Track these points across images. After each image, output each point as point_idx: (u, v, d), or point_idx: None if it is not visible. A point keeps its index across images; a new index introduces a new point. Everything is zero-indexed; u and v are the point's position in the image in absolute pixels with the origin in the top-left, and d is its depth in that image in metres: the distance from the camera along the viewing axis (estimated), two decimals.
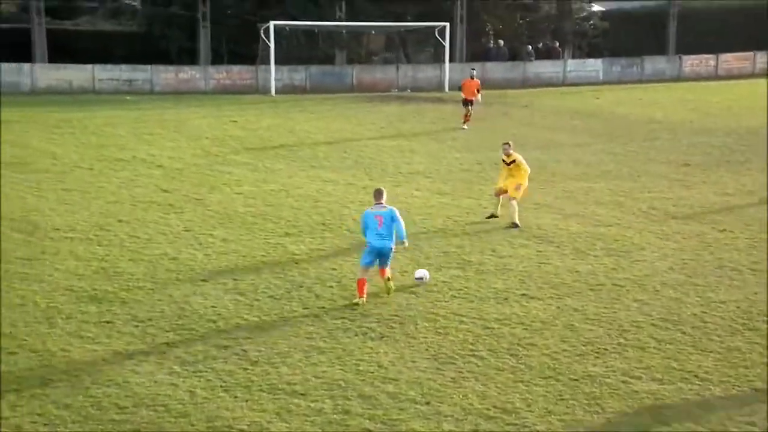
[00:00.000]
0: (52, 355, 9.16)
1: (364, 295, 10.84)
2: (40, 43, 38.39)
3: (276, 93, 37.33)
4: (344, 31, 43.10)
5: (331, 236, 14.04)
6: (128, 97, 34.54)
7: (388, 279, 11.10)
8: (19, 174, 18.32)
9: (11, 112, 28.51)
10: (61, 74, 36.67)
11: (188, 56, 41.62)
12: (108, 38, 41.38)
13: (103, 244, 13.28)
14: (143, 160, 20.63)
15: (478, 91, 27.48)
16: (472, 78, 28.08)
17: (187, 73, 39.36)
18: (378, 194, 11.39)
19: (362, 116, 30.26)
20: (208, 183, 18.02)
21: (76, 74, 36.83)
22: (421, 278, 11.61)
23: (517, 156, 15.07)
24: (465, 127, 26.79)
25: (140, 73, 37.65)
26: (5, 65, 35.74)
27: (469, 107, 27.09)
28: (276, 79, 37.95)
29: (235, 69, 39.82)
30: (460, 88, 28.63)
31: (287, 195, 16.97)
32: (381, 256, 10.98)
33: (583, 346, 9.63)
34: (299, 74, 39.91)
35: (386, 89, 39.23)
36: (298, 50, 40.91)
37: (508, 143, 15.31)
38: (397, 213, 11.13)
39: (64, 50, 38.45)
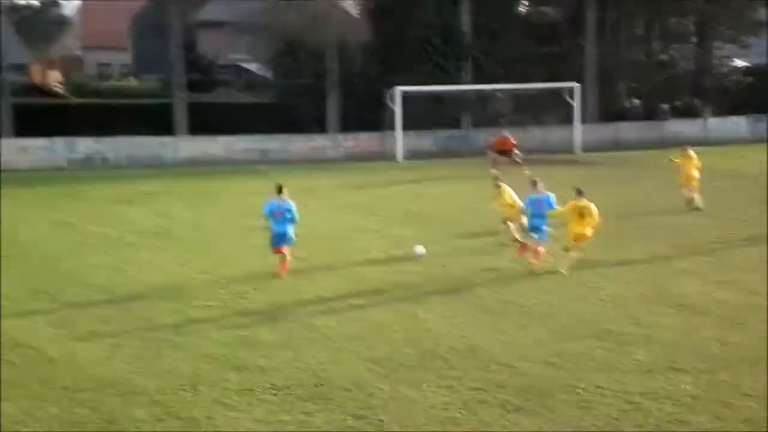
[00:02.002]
0: (197, 422, 9.43)
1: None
2: (180, 116, 40.62)
3: (403, 158, 37.93)
4: (471, 95, 43.51)
5: (463, 303, 13.99)
6: (261, 167, 35.88)
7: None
8: (163, 243, 19.27)
9: (155, 183, 30.18)
10: (200, 146, 38.62)
11: (319, 125, 42.97)
12: (243, 110, 43.33)
13: (242, 312, 13.69)
14: None
15: (513, 146, 33.32)
16: (504, 136, 33.90)
17: (318, 142, 40.65)
18: (534, 183, 16.24)
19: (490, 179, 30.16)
20: (339, 250, 18.34)
21: (214, 145, 38.72)
22: (420, 254, 16.50)
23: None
24: (526, 171, 30.25)
25: (273, 143, 39.16)
26: (150, 139, 38.03)
27: (510, 157, 32.85)
28: (402, 145, 38.59)
29: (363, 136, 40.78)
30: (493, 145, 34.06)
31: (417, 261, 17.05)
32: (539, 230, 15.90)
33: (741, 423, 9.12)
34: (426, 139, 40.45)
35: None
36: (424, 115, 41.57)
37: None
38: (552, 196, 16.09)
39: (202, 122, 40.56)
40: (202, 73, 51.08)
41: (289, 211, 15.93)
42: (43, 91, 45.72)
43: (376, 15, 45.50)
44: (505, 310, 13.59)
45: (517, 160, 32.85)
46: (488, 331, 12.47)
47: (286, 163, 37.60)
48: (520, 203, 17.33)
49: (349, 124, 42.72)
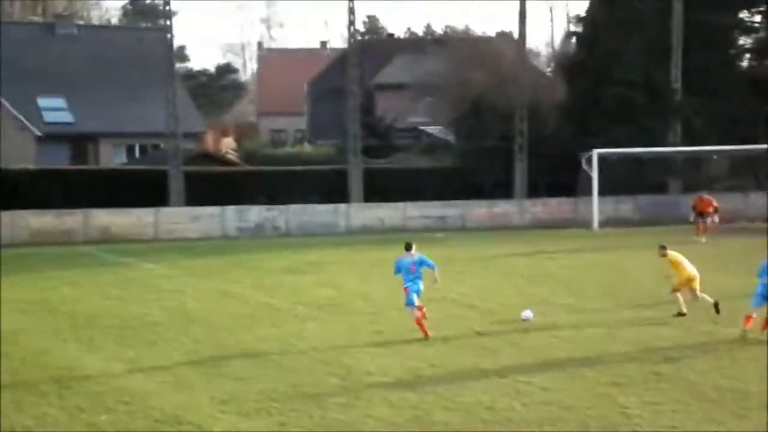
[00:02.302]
0: None
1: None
2: (355, 182, 41.91)
3: (599, 226, 37.16)
4: (679, 157, 42.14)
5: (669, 387, 13.32)
6: (439, 234, 36.20)
7: None
8: (332, 315, 19.73)
9: (327, 253, 31.12)
10: (374, 213, 39.61)
11: (502, 190, 42.97)
12: (421, 175, 44.12)
13: (417, 390, 13.63)
14: (454, 301, 21.24)
15: (715, 210, 33.20)
16: (703, 198, 33.88)
17: (501, 208, 40.65)
18: None
19: (702, 250, 28.97)
20: (524, 325, 18.09)
21: (389, 212, 39.59)
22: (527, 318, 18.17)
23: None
24: (701, 239, 31.80)
25: (452, 209, 39.51)
26: (323, 206, 39.42)
27: (705, 219, 33.33)
28: (599, 212, 37.86)
29: (553, 201, 40.42)
30: (693, 207, 34.15)
31: (613, 339, 16.51)
32: None
33: None
34: (626, 205, 39.57)
35: (731, 220, 37.41)
36: (624, 179, 40.63)
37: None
38: None
39: (378, 189, 41.64)
40: (379, 138, 52.75)
41: (422, 263, 17.34)
42: (216, 158, 48.69)
43: (572, 72, 45.34)
44: (719, 396, 12.83)
45: (710, 225, 33.06)
46: (700, 420, 11.78)
47: (465, 230, 37.72)
48: (693, 271, 18.63)
49: (537, 189, 42.51)
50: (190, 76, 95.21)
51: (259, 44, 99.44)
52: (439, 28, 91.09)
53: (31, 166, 40.23)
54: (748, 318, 16.28)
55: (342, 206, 39.86)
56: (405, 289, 17.12)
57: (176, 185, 39.09)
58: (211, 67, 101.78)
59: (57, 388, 13.72)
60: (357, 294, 22.53)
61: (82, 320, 19.23)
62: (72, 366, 15.18)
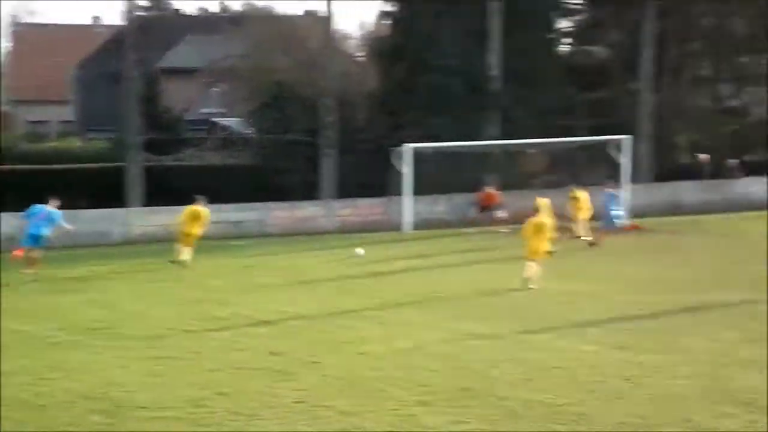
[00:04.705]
0: None
1: None
2: (134, 183, 41.00)
3: (412, 228, 38.16)
4: (498, 152, 43.67)
5: (476, 404, 13.86)
6: (234, 242, 36.04)
7: None
8: (102, 341, 19.07)
9: (97, 266, 30.26)
10: (158, 218, 38.76)
11: (308, 191, 43.15)
12: (213, 174, 43.66)
13: (200, 423, 13.43)
14: (247, 317, 21.15)
15: (498, 204, 38.31)
16: (488, 192, 39.00)
17: (307, 210, 40.85)
18: None
19: (517, 252, 30.32)
20: (327, 341, 18.26)
21: (174, 218, 38.87)
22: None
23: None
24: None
25: (250, 213, 39.39)
26: (94, 212, 38.08)
27: (491, 213, 38.49)
28: (412, 213, 38.86)
29: (364, 203, 40.97)
30: (477, 202, 39.36)
31: (422, 354, 16.96)
32: None
33: None
34: (439, 206, 40.71)
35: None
36: (438, 177, 41.69)
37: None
38: None
39: (162, 190, 40.83)
40: (164, 131, 51.87)
41: (51, 216, 26.57)
42: None
43: (384, 58, 46.11)
44: None
45: (498, 219, 37.03)
46: None
47: (266, 236, 37.75)
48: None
49: (346, 189, 42.91)
50: None
51: (14, 18, 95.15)
52: (236, 5, 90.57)
53: None
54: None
55: (119, 211, 38.84)
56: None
57: None
58: None
59: None
60: (132, 314, 22.03)
61: None
62: None
